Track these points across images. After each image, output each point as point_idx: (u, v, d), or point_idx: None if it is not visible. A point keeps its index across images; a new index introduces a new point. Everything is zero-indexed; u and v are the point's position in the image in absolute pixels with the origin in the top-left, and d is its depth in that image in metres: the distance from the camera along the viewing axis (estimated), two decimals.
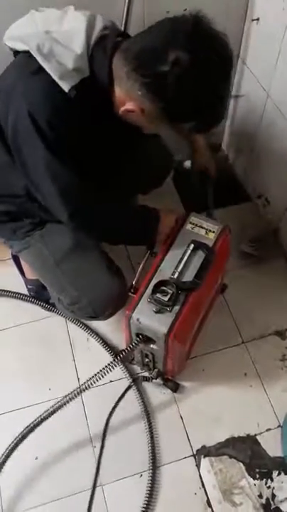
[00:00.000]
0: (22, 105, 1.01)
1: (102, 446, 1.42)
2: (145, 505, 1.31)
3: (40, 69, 0.99)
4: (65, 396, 1.38)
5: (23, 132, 1.03)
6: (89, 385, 1.32)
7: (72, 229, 1.27)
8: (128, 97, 1.01)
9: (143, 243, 1.35)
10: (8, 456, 1.39)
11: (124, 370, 1.53)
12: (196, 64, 0.90)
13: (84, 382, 1.32)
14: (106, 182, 1.27)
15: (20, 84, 1.03)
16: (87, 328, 1.62)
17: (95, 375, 1.28)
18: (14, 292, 1.70)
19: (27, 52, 1.02)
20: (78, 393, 1.37)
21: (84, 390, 1.35)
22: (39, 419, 1.41)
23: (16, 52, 1.09)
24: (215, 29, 0.94)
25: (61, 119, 1.02)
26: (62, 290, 1.35)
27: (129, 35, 1.08)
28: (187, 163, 2.09)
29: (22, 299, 1.69)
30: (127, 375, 1.52)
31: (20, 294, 1.70)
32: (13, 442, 1.40)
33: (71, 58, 0.99)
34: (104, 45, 1.02)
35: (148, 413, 1.46)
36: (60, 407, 1.42)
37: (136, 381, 1.51)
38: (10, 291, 1.71)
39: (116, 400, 1.49)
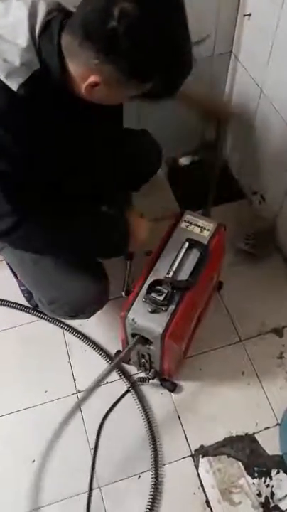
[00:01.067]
0: None
1: (96, 449, 1.41)
2: (149, 506, 1.31)
3: None
4: (68, 413, 1.31)
5: None
6: (89, 393, 1.29)
7: (13, 247, 1.20)
8: (87, 71, 0.93)
9: (114, 255, 1.32)
10: None
11: (120, 373, 1.52)
12: (143, 8, 0.85)
13: (84, 392, 1.28)
14: (83, 180, 1.22)
15: None
16: (80, 334, 1.61)
17: (95, 382, 1.26)
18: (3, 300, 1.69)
19: None
20: (80, 404, 1.35)
21: (86, 399, 1.32)
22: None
23: None
24: None
25: (7, 121, 0.96)
26: (41, 289, 1.33)
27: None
28: (182, 160, 2.09)
29: (11, 306, 1.68)
30: (124, 379, 1.50)
31: (8, 302, 1.69)
32: None
33: (17, 54, 0.92)
34: (50, 31, 0.94)
35: (148, 416, 1.45)
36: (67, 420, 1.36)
37: (134, 385, 1.50)
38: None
39: (113, 402, 1.47)
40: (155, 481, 1.34)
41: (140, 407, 1.46)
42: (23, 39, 0.93)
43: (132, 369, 1.54)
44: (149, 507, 1.31)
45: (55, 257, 1.27)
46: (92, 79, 0.93)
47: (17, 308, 1.68)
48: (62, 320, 1.62)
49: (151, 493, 1.32)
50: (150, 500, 1.31)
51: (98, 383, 1.25)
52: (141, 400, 1.48)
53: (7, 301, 1.69)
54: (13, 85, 0.93)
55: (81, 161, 1.16)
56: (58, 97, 1.00)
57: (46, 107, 1.00)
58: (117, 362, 1.27)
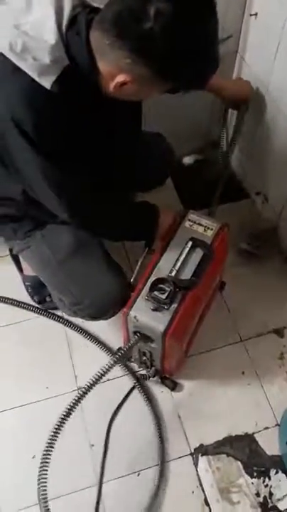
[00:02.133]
0: (5, 114, 0.95)
1: (106, 445, 1.41)
2: (152, 498, 1.32)
3: (17, 69, 0.93)
4: (68, 407, 1.29)
5: (12, 141, 0.99)
6: (90, 388, 1.29)
7: (74, 227, 1.26)
8: (117, 70, 0.93)
9: (142, 239, 1.34)
10: None
11: (125, 369, 1.52)
12: (179, 9, 0.85)
13: (85, 387, 1.28)
14: (106, 179, 1.24)
15: None
16: (83, 330, 1.61)
17: (95, 376, 1.26)
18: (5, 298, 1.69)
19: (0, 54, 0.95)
20: (81, 398, 1.34)
21: (86, 393, 1.31)
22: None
23: None
24: None
25: (48, 120, 0.97)
26: (64, 290, 1.34)
27: (100, 9, 0.99)
28: (186, 159, 2.09)
29: (11, 303, 1.68)
30: (130, 376, 1.51)
31: (8, 299, 1.69)
32: None
33: (46, 51, 0.92)
34: (77, 26, 0.94)
35: (155, 413, 1.45)
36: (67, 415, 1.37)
37: (139, 381, 1.50)
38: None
39: (121, 400, 1.48)
40: (160, 478, 1.35)
41: (148, 404, 1.46)
42: (50, 35, 0.93)
43: (133, 367, 1.54)
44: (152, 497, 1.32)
45: (108, 239, 1.37)
46: (122, 78, 0.94)
47: (16, 306, 1.68)
48: (65, 317, 1.63)
49: (155, 488, 1.33)
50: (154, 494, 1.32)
51: (99, 378, 1.25)
52: (149, 396, 1.48)
53: (7, 298, 1.69)
54: (47, 83, 0.93)
55: (103, 157, 1.17)
56: (87, 92, 1.00)
57: (78, 103, 1.00)
58: (119, 356, 1.27)
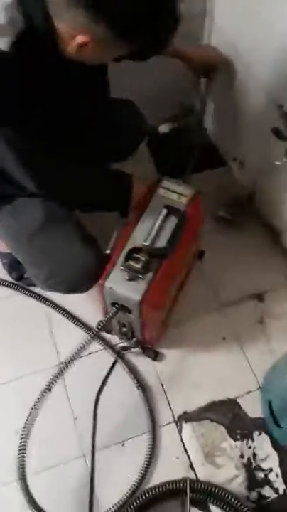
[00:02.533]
0: None
1: (95, 417, 1.42)
2: (145, 466, 1.33)
3: None
4: (51, 378, 1.32)
5: None
6: (72, 359, 1.29)
7: (44, 198, 1.23)
8: (74, 30, 0.91)
9: (116, 209, 1.32)
10: None
11: (104, 344, 1.52)
12: None
13: (67, 361, 1.28)
14: (75, 146, 1.21)
15: None
16: (60, 308, 1.60)
17: (77, 349, 1.26)
18: None
19: None
20: (64, 368, 1.35)
21: (68, 366, 1.31)
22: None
23: None
24: None
25: (3, 86, 0.94)
26: (37, 265, 1.31)
27: None
28: (162, 127, 2.06)
29: None
30: (109, 350, 1.51)
31: None
32: None
33: (1, 11, 0.89)
34: None
35: (140, 384, 1.46)
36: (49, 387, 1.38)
37: (120, 354, 1.50)
38: None
39: (104, 374, 1.48)
40: (152, 445, 1.36)
41: (131, 376, 1.46)
42: None
43: (114, 339, 1.54)
44: (145, 467, 1.33)
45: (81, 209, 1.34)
46: (81, 38, 0.91)
47: None
48: (42, 294, 1.61)
49: (148, 454, 1.35)
50: (147, 459, 1.34)
51: (79, 351, 1.25)
52: (131, 368, 1.49)
53: None
54: (2, 45, 0.90)
55: (67, 122, 1.13)
56: (46, 55, 0.97)
57: (36, 66, 0.97)
58: (99, 329, 1.27)
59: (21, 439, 1.36)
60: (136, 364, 1.50)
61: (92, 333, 1.31)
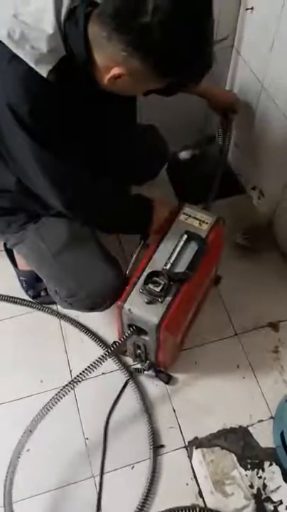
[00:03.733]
0: (0, 99, 0.97)
1: (105, 439, 1.42)
2: (146, 493, 1.32)
3: (15, 57, 0.95)
4: (60, 390, 1.35)
5: (6, 126, 1.00)
6: (82, 377, 1.30)
7: (69, 217, 1.26)
8: (112, 63, 0.95)
9: (137, 232, 1.35)
10: None
11: (119, 364, 1.52)
12: (176, 6, 0.87)
13: (78, 375, 1.30)
14: (100, 170, 1.24)
15: None
16: (78, 324, 1.62)
17: (89, 366, 1.27)
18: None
19: None
20: (73, 385, 1.36)
21: (78, 382, 1.33)
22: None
23: None
24: None
25: (43, 108, 0.98)
26: (59, 283, 1.34)
27: (98, 3, 1.01)
28: (182, 154, 2.09)
29: (7, 300, 1.69)
30: (123, 370, 1.51)
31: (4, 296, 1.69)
32: None
33: (44, 40, 0.94)
34: (76, 17, 0.96)
35: (147, 407, 1.46)
36: (56, 400, 1.40)
37: (133, 376, 1.50)
38: None
39: (116, 394, 1.48)
40: (153, 473, 1.35)
41: (140, 402, 1.46)
42: (49, 25, 0.95)
43: (128, 360, 1.55)
44: (145, 494, 1.32)
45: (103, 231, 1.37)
46: (116, 71, 0.96)
47: (11, 302, 1.68)
48: (59, 311, 1.64)
49: (148, 482, 1.34)
50: (147, 490, 1.32)
51: (91, 370, 1.26)
52: (141, 391, 1.49)
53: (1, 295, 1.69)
54: (43, 71, 0.95)
55: (96, 148, 1.18)
56: (82, 84, 1.02)
57: (73, 93, 1.02)
58: (113, 349, 1.28)
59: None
60: (147, 387, 1.51)
61: (107, 352, 1.32)
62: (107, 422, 1.44)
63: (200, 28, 0.93)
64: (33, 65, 0.94)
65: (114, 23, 0.90)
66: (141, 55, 0.91)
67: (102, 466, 1.38)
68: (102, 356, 1.26)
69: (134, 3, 0.87)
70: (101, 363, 1.26)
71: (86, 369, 1.26)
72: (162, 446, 1.40)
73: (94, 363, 1.27)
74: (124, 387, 1.50)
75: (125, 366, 1.52)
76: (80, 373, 1.25)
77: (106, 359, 1.27)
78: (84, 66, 0.98)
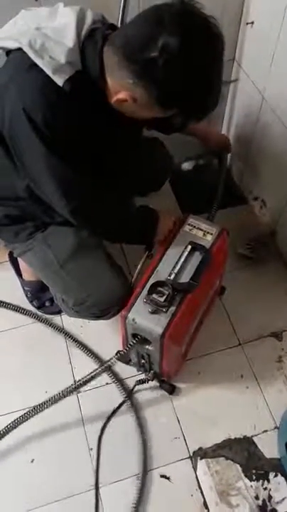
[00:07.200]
0: (17, 103, 1.00)
1: (99, 449, 1.41)
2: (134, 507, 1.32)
3: (34, 65, 0.99)
4: (59, 393, 1.38)
5: (20, 131, 1.03)
6: (82, 384, 1.31)
7: (75, 224, 1.27)
8: (120, 87, 1.01)
9: (141, 242, 1.37)
10: None
11: (119, 384, 1.51)
12: (185, 48, 0.90)
13: (79, 380, 1.30)
14: (108, 180, 1.26)
15: (13, 82, 1.03)
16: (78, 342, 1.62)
17: (91, 374, 1.28)
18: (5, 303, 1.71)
19: (19, 50, 1.02)
20: (71, 391, 1.36)
21: (77, 388, 1.33)
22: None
23: (8, 52, 1.08)
24: (203, 12, 0.94)
25: (57, 115, 1.01)
26: (67, 291, 1.36)
27: (118, 28, 1.08)
28: (185, 165, 2.11)
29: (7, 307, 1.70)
30: (121, 390, 1.50)
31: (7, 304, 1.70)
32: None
33: (63, 52, 0.99)
34: (95, 38, 1.02)
35: (141, 426, 1.45)
36: (55, 402, 1.41)
37: (130, 396, 1.49)
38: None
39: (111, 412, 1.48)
40: (141, 488, 1.34)
41: (135, 420, 1.46)
42: (69, 40, 1.00)
43: (132, 371, 1.54)
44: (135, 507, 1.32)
45: (108, 240, 1.39)
46: (122, 95, 1.01)
47: (16, 311, 1.69)
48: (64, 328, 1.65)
49: (136, 498, 1.33)
50: (134, 505, 1.32)
51: (91, 379, 1.27)
52: (137, 411, 1.48)
53: (6, 303, 1.70)
54: (59, 80, 0.99)
55: (105, 158, 1.21)
56: (94, 98, 1.06)
57: (85, 105, 1.06)
58: (118, 357, 1.29)
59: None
60: (151, 398, 1.50)
61: (111, 360, 1.33)
62: (101, 435, 1.44)
63: (205, 72, 0.97)
64: (50, 74, 0.98)
65: (124, 50, 0.95)
66: (145, 85, 0.97)
67: (97, 478, 1.37)
68: (105, 365, 1.27)
69: (146, 37, 0.92)
70: (104, 371, 1.27)
71: (87, 376, 1.27)
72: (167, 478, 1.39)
73: (96, 372, 1.28)
74: (119, 406, 1.48)
75: (123, 385, 1.51)
76: (81, 380, 1.25)
77: (110, 368, 1.27)
78: (97, 83, 1.03)
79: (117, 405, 1.47)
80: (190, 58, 0.92)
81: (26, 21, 1.06)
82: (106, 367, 1.32)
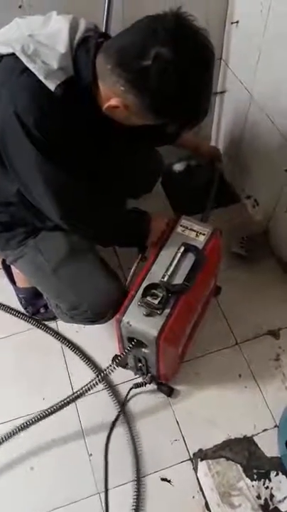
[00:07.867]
0: (8, 107, 1.00)
1: (106, 456, 1.41)
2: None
3: (26, 70, 1.00)
4: (59, 402, 1.37)
5: (11, 134, 1.03)
6: (82, 393, 1.30)
7: (66, 229, 1.27)
8: (112, 94, 1.01)
9: (134, 245, 1.36)
10: None
11: (112, 395, 1.50)
12: (177, 58, 0.92)
13: (78, 390, 1.30)
14: (102, 185, 1.26)
15: (5, 86, 1.03)
16: (69, 343, 1.62)
17: (90, 382, 1.27)
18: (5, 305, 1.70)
19: (12, 55, 1.02)
20: (73, 399, 1.36)
21: (78, 397, 1.33)
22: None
23: (1, 58, 1.08)
24: (195, 24, 0.96)
25: (48, 119, 1.02)
26: (60, 296, 1.35)
27: (111, 37, 1.09)
28: (177, 166, 2.11)
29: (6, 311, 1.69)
30: (115, 401, 1.49)
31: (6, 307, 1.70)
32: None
33: (55, 58, 1.00)
34: (87, 45, 1.03)
35: (140, 430, 1.45)
36: (54, 412, 1.40)
37: (124, 408, 1.48)
38: None
39: (116, 412, 1.47)
40: (138, 494, 1.34)
41: (133, 421, 1.46)
42: (62, 46, 1.01)
43: (129, 374, 1.54)
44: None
45: (100, 244, 1.39)
46: (114, 102, 1.02)
47: (13, 314, 1.69)
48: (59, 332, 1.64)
49: (133, 503, 1.32)
50: (134, 507, 1.31)
51: (92, 386, 1.26)
52: (135, 415, 1.48)
53: (6, 307, 1.70)
54: (51, 85, 1.00)
55: (97, 163, 1.21)
56: (85, 103, 1.07)
57: (77, 111, 1.06)
58: (116, 363, 1.29)
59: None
60: (150, 401, 1.50)
61: (109, 367, 1.32)
62: (108, 440, 1.43)
63: (196, 82, 0.98)
64: (42, 79, 0.99)
65: (118, 58, 0.97)
66: (136, 93, 0.98)
67: (106, 483, 1.37)
68: (104, 372, 1.27)
69: (139, 46, 0.94)
70: (103, 378, 1.26)
71: (87, 387, 1.26)
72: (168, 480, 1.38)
73: (95, 381, 1.27)
74: (116, 420, 1.47)
75: (117, 397, 1.50)
76: (81, 390, 1.25)
77: (109, 374, 1.27)
78: (89, 89, 1.04)
79: (117, 412, 1.47)
80: (182, 68, 0.94)
81: (20, 28, 1.07)
82: (105, 374, 1.31)
